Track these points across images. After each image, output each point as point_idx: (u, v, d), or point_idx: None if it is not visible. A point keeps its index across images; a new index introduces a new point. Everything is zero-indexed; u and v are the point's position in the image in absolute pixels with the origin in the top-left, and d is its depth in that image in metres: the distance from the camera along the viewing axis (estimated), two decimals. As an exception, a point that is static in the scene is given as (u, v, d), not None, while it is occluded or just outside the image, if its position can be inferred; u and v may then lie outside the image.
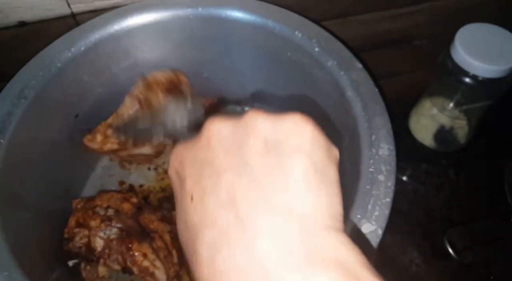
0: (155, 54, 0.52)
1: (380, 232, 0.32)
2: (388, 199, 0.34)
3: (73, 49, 0.45)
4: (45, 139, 0.45)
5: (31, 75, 0.43)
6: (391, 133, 0.38)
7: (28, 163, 0.43)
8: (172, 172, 0.26)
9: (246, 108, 0.62)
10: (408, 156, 0.67)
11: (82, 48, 0.45)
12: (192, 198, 0.22)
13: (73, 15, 0.48)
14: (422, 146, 0.64)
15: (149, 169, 0.57)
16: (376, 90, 0.41)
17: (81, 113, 0.50)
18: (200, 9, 0.48)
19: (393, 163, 0.36)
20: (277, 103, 0.58)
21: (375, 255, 0.31)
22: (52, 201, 0.47)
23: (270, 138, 0.22)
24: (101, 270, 0.44)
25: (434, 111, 0.61)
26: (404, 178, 0.65)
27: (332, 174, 0.22)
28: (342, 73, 0.43)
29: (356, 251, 0.19)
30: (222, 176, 0.21)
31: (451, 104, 0.59)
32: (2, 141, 0.39)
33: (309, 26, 0.46)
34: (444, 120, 0.61)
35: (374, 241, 0.32)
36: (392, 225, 0.60)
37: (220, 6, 0.47)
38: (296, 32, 0.46)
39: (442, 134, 0.62)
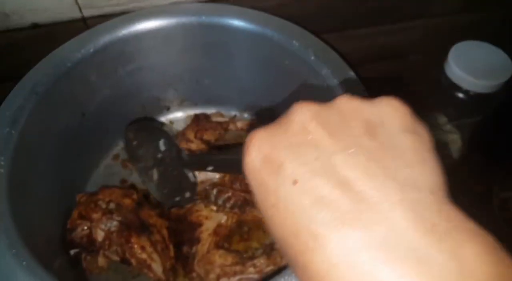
0: (159, 59, 0.54)
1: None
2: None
3: (82, 51, 0.47)
4: (53, 134, 0.47)
5: (42, 72, 0.45)
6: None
7: (37, 155, 0.45)
8: (256, 161, 0.23)
9: (245, 115, 0.64)
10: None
11: (91, 50, 0.48)
12: (295, 182, 0.21)
13: (83, 19, 0.51)
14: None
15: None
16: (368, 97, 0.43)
17: (88, 112, 0.52)
18: (203, 17, 0.50)
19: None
20: (275, 109, 0.61)
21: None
22: (58, 193, 0.48)
23: (372, 119, 0.22)
24: (101, 260, 0.46)
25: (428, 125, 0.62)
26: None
27: (434, 147, 0.22)
28: (336, 80, 0.45)
29: (480, 229, 0.19)
30: (333, 157, 0.21)
31: (444, 119, 0.61)
32: (13, 132, 0.41)
33: (305, 36, 0.49)
34: (438, 134, 0.62)
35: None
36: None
37: (222, 15, 0.50)
38: (293, 41, 0.48)
39: (436, 149, 0.64)
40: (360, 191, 0.19)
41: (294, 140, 0.22)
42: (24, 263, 0.34)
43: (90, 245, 0.46)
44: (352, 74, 0.45)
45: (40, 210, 0.44)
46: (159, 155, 0.51)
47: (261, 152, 0.23)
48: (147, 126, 0.59)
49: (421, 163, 0.21)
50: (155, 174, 0.50)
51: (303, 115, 0.23)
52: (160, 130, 0.57)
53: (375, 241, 0.18)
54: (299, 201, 0.20)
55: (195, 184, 0.52)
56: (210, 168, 0.42)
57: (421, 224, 0.18)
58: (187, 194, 0.51)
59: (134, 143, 0.53)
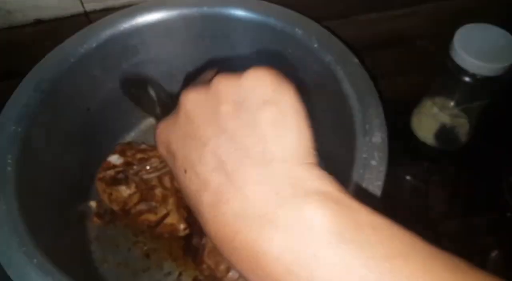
0: (163, 52, 0.54)
1: (371, 213, 0.34)
2: (379, 183, 0.36)
3: (85, 46, 0.47)
4: (59, 130, 0.47)
5: (46, 69, 0.45)
6: (384, 123, 0.40)
7: (44, 152, 0.45)
8: (161, 149, 0.29)
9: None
10: (410, 154, 0.68)
11: (94, 45, 0.48)
12: (185, 171, 0.26)
13: (86, 14, 0.51)
14: (424, 145, 0.65)
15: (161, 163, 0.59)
16: (371, 83, 0.43)
17: (93, 107, 0.52)
18: (205, 8, 0.50)
19: (386, 150, 0.38)
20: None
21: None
22: (66, 189, 0.49)
23: (238, 98, 0.25)
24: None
25: (435, 110, 0.62)
26: (406, 175, 0.66)
27: (297, 112, 0.24)
28: (339, 67, 0.45)
29: (330, 179, 0.22)
30: (206, 146, 0.25)
31: (452, 103, 0.60)
32: (19, 130, 0.41)
33: (308, 23, 0.48)
34: (445, 119, 0.62)
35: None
36: (393, 220, 0.62)
37: (224, 5, 0.50)
38: (296, 29, 0.48)
39: (444, 133, 0.63)
40: (229, 170, 0.23)
41: (182, 131, 0.27)
42: (35, 261, 0.34)
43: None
44: (356, 60, 0.45)
45: (49, 207, 0.44)
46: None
47: (163, 143, 0.29)
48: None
49: (276, 136, 0.23)
50: None
51: (187, 105, 0.26)
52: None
53: (232, 211, 0.22)
54: (189, 187, 0.25)
55: None
56: None
57: (266, 194, 0.22)
58: None
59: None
